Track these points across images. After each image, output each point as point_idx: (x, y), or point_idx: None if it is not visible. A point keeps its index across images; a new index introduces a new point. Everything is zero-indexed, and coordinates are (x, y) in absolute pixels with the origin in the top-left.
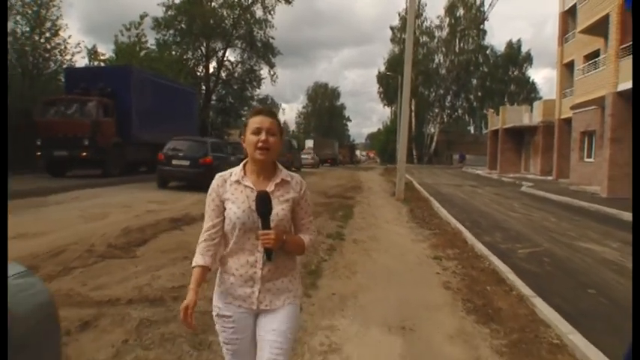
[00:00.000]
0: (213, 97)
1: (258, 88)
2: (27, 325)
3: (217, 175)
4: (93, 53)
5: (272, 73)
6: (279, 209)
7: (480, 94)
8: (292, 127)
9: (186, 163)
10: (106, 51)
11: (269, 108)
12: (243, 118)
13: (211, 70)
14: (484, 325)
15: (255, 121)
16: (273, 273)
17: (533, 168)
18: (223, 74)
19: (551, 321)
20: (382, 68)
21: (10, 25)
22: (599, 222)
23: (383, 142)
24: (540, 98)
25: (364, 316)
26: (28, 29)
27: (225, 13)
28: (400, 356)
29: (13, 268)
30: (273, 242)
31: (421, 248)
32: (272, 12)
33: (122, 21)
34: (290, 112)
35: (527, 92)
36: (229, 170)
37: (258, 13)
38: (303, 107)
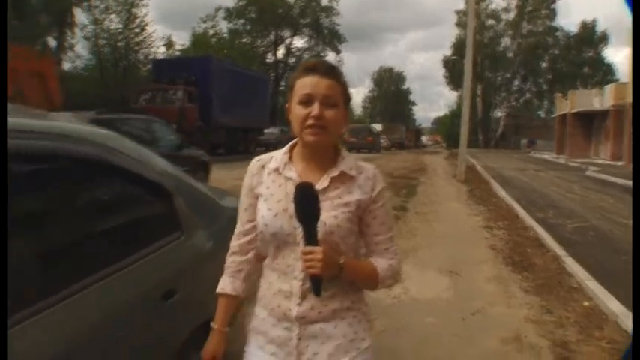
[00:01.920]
0: (282, 83)
1: None
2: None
3: (254, 160)
4: (169, 43)
5: (338, 59)
6: (329, 216)
7: (549, 77)
8: (358, 111)
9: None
10: (179, 39)
11: (327, 62)
12: None
13: (279, 57)
14: (518, 273)
15: (304, 85)
16: (321, 311)
17: (604, 153)
18: (291, 61)
19: (575, 272)
20: (449, 52)
21: (105, 23)
22: None
23: (449, 127)
24: (617, 80)
25: (421, 264)
26: (120, 26)
27: (292, 1)
28: (447, 288)
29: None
30: (321, 267)
31: (475, 220)
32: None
33: (193, 7)
34: (356, 97)
35: (603, 74)
36: (271, 153)
37: (324, 1)
38: (369, 91)
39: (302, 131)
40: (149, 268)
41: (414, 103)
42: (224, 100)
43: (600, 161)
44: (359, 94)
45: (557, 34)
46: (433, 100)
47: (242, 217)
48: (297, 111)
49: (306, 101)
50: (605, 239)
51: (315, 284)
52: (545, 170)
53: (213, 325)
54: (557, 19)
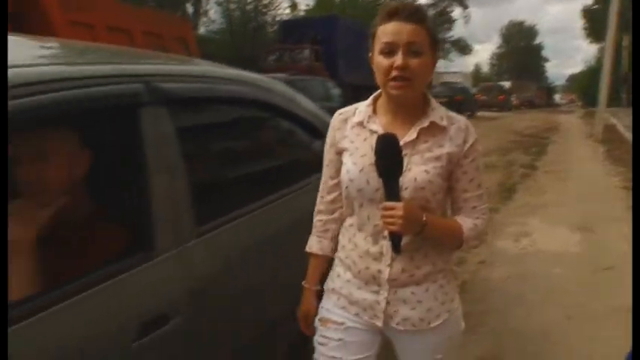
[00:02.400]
0: None
1: (450, 30)
2: None
3: (336, 113)
4: (293, 5)
5: (465, 14)
6: (419, 171)
7: None
8: (485, 69)
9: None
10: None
11: (410, 4)
12: None
13: None
14: None
15: (385, 32)
16: (412, 275)
17: None
18: None
19: None
20: (589, 1)
21: None
22: None
23: (585, 84)
24: None
25: (551, 219)
26: None
27: None
28: (577, 243)
29: None
30: (402, 224)
31: (611, 181)
32: None
33: None
34: (483, 54)
35: None
36: (354, 105)
37: None
38: (497, 48)
39: (386, 83)
40: (303, 199)
41: (546, 60)
42: (349, 58)
43: None
44: (485, 51)
45: None
46: (568, 55)
47: (325, 173)
48: (379, 61)
49: (389, 51)
50: None
51: (395, 242)
52: None
53: (305, 284)
54: None
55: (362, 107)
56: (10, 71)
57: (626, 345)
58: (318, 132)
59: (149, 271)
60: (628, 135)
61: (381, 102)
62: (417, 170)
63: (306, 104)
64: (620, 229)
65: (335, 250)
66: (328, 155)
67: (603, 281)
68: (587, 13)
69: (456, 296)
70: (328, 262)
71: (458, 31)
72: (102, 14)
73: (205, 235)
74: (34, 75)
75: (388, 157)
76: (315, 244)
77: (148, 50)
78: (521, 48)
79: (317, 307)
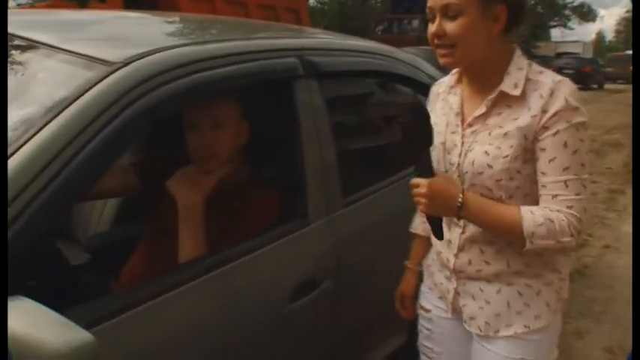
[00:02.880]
0: None
1: None
2: None
3: (434, 84)
4: None
5: None
6: (479, 152)
7: None
8: (610, 36)
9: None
10: None
11: None
12: (552, 31)
13: None
14: None
15: None
16: (480, 270)
17: None
18: None
19: None
20: None
21: None
22: None
23: None
24: None
25: None
26: None
27: None
28: None
29: None
30: (426, 203)
31: None
32: None
33: None
34: (609, 20)
35: None
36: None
37: None
38: (626, 12)
39: (434, 53)
40: None
41: None
42: None
43: None
44: (612, 16)
45: None
46: None
47: None
48: (429, 29)
49: (431, 17)
50: None
51: (434, 226)
52: None
53: (407, 263)
54: None
55: (448, 77)
56: (189, 48)
57: None
58: None
59: (303, 238)
60: None
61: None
62: (477, 151)
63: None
64: None
65: None
66: None
67: None
68: None
69: (549, 315)
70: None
71: None
72: None
73: (350, 205)
74: (212, 50)
75: (414, 126)
76: (418, 225)
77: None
78: None
79: (415, 288)
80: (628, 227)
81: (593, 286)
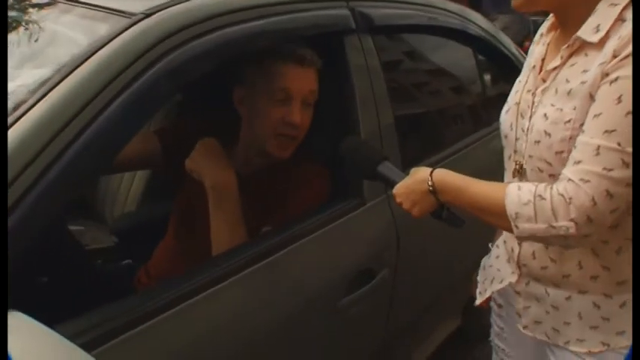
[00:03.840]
0: None
1: None
2: None
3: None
4: None
5: None
6: (539, 115)
7: None
8: None
9: None
10: None
11: None
12: None
13: None
14: None
15: None
16: (545, 267)
17: None
18: None
19: None
20: None
21: None
22: None
23: None
24: None
25: None
26: None
27: None
28: None
29: None
30: (409, 207)
31: None
32: None
33: None
34: None
35: None
36: None
37: None
38: None
39: None
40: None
41: None
42: None
43: None
44: None
45: None
46: None
47: None
48: None
49: None
50: None
51: (441, 220)
52: None
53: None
54: None
55: (545, 21)
56: None
57: None
58: (517, 70)
59: (358, 220)
60: None
61: None
62: (539, 114)
63: (506, 41)
64: None
65: None
66: None
67: None
68: None
69: (629, 331)
70: None
71: None
72: None
73: None
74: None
75: (351, 153)
76: None
77: None
78: None
79: None
80: None
81: None
